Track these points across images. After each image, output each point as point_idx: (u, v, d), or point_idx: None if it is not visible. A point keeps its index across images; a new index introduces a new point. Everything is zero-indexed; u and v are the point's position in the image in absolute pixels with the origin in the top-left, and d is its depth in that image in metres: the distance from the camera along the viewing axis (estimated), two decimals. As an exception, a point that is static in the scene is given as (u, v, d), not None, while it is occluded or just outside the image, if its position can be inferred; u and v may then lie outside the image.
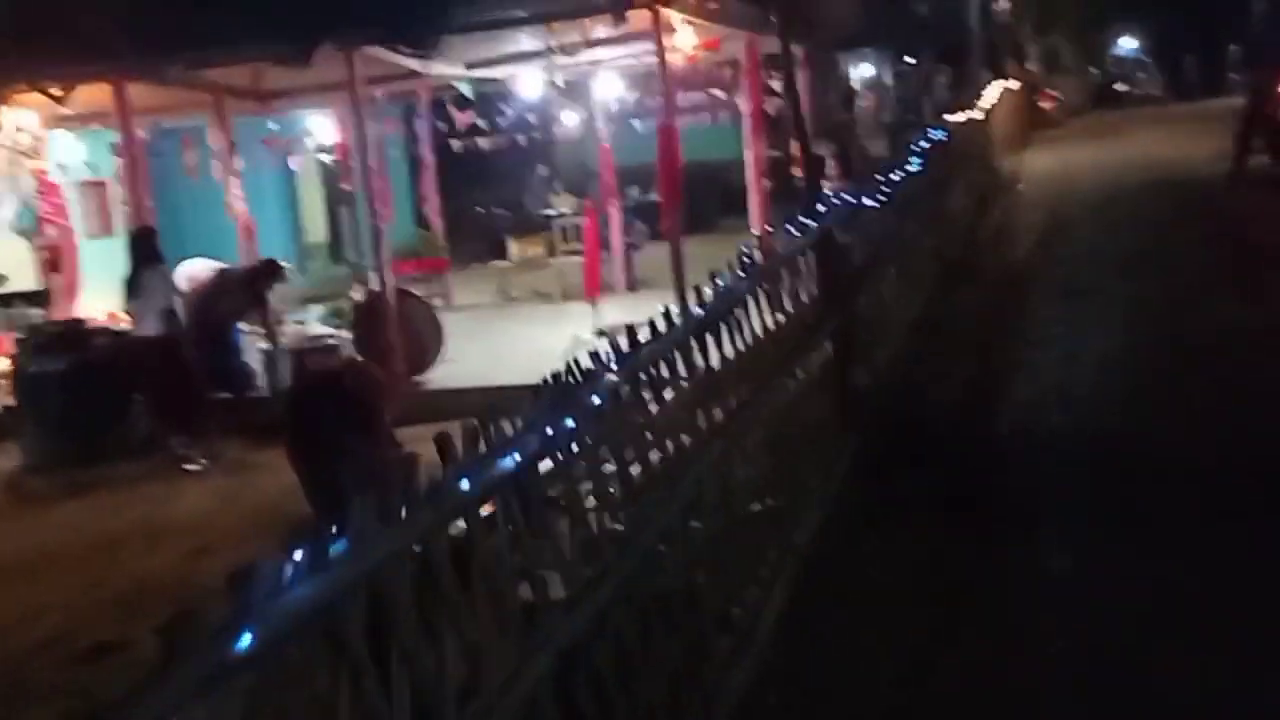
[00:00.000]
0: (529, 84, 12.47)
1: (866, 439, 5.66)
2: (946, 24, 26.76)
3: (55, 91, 10.54)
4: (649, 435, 3.39)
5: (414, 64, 11.65)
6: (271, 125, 14.82)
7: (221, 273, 10.54)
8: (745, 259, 4.62)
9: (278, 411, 10.78)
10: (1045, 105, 27.44)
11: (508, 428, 2.55)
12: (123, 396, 9.78)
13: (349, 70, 10.33)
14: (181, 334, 9.40)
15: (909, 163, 8.08)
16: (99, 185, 15.88)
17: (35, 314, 13.10)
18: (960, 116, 12.72)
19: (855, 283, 6.38)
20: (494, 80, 12.81)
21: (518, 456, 2.46)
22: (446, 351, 11.01)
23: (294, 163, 16.38)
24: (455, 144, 16.52)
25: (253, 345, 10.83)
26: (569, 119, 17.52)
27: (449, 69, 12.20)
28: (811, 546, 4.55)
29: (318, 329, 11.95)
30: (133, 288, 9.45)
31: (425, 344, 11.03)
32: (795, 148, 15.37)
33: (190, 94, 11.79)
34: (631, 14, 9.96)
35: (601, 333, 8.87)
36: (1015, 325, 8.00)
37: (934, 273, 9.20)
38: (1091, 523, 4.75)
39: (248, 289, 10.29)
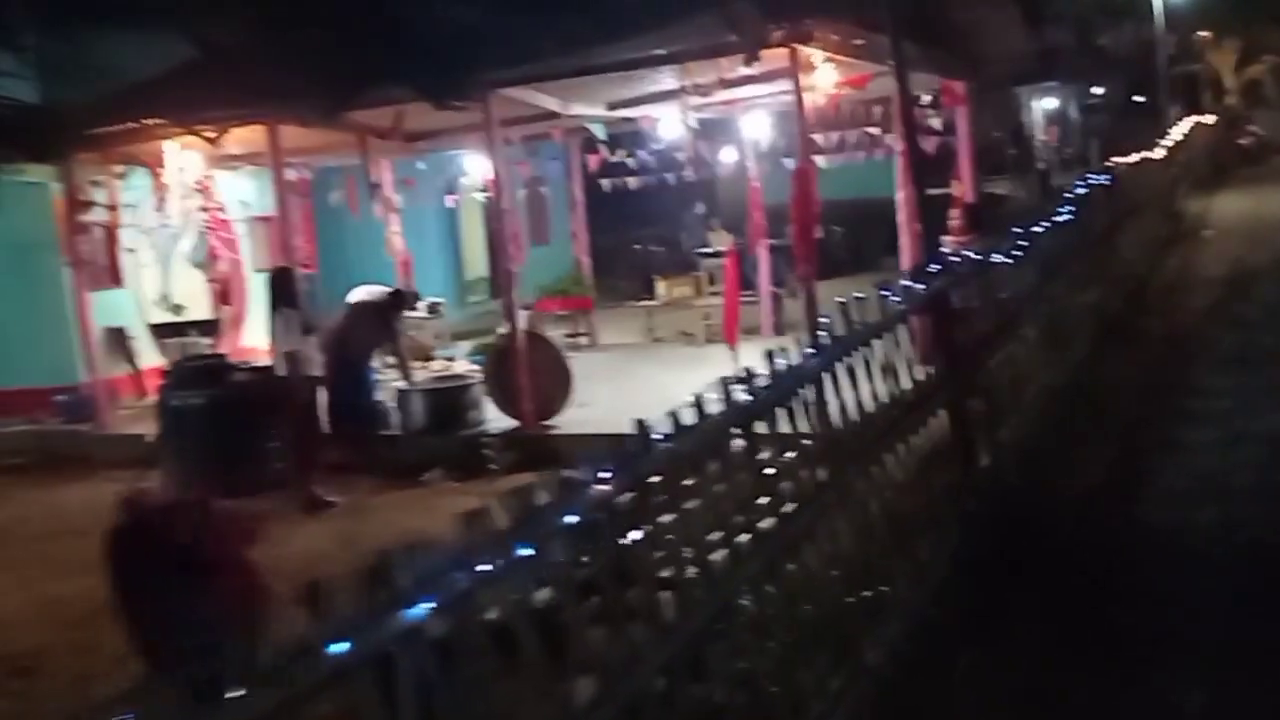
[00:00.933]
0: (669, 124, 12.11)
1: (976, 530, 4.97)
2: (1134, 56, 25.08)
3: (209, 134, 10.82)
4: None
5: (553, 105, 11.51)
6: (420, 165, 14.97)
7: (353, 307, 10.55)
8: (823, 329, 4.09)
9: (408, 451, 10.87)
10: (1244, 141, 25.35)
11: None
12: (259, 433, 9.86)
13: (485, 112, 10.25)
14: (307, 377, 9.40)
15: (1058, 212, 7.28)
16: (268, 221, 16.43)
17: (206, 343, 13.60)
18: (1135, 157, 11.65)
19: (978, 349, 5.71)
20: (630, 120, 12.51)
21: (434, 604, 2.02)
22: (575, 395, 10.73)
23: (450, 201, 16.52)
24: (607, 182, 16.33)
25: (390, 382, 10.84)
26: (727, 156, 17.13)
27: (588, 109, 11.99)
28: (889, 665, 3.92)
29: (459, 366, 11.89)
30: (270, 328, 9.56)
31: (553, 388, 10.77)
32: (956, 188, 14.63)
33: (340, 135, 11.94)
34: (770, 53, 9.49)
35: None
36: (1175, 396, 7.08)
37: (1089, 332, 8.31)
38: (1242, 655, 3.95)
39: (377, 322, 10.26)
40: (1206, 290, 10.38)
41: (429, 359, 14.69)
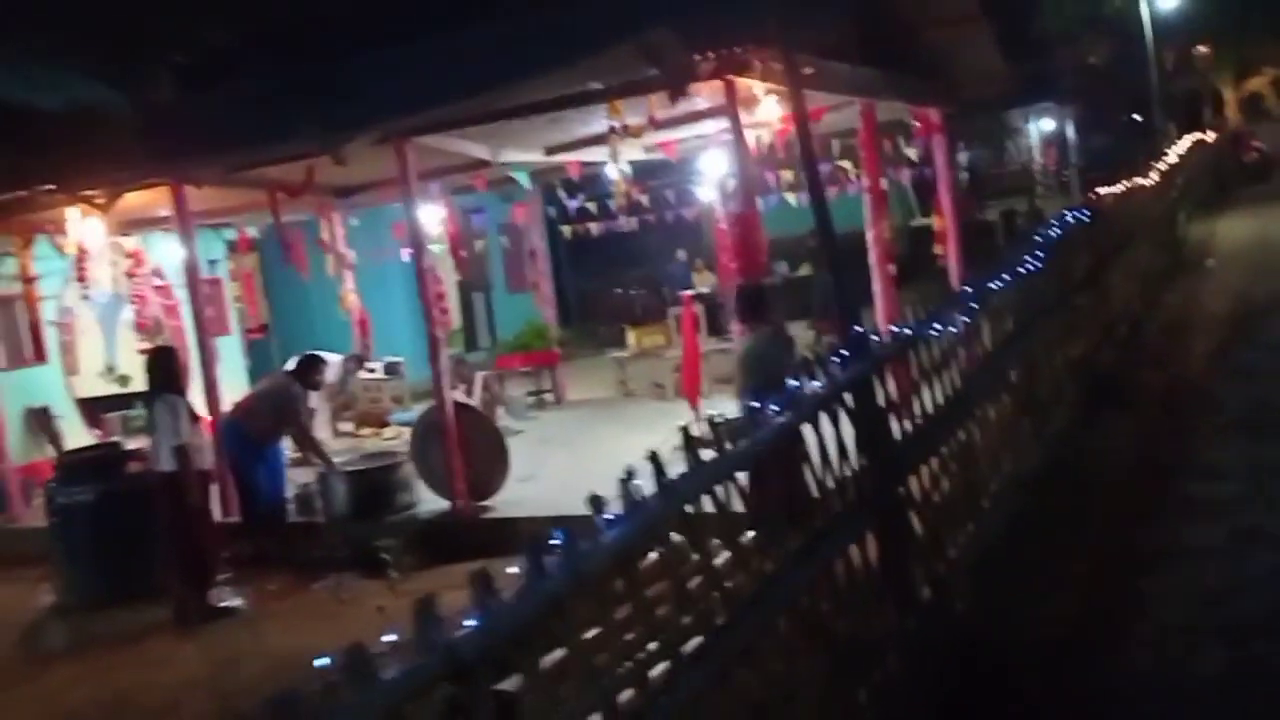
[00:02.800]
0: (611, 168, 10.91)
1: (901, 691, 3.70)
2: (1128, 74, 23.81)
3: (99, 200, 9.72)
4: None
5: (480, 152, 10.36)
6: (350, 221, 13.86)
7: (262, 385, 9.36)
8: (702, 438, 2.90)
9: (329, 541, 9.68)
10: (1248, 158, 23.96)
11: None
12: (152, 533, 8.68)
13: (401, 161, 9.10)
14: (198, 472, 8.21)
15: (1020, 262, 6.01)
16: (213, 284, 15.34)
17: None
18: (1123, 185, 10.35)
19: (915, 444, 4.45)
20: (557, 166, 11.38)
21: None
22: (514, 470, 9.51)
23: (406, 254, 15.38)
24: (568, 229, 15.21)
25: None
26: (706, 194, 15.97)
27: (522, 155, 10.84)
28: None
29: (388, 443, 10.72)
30: (149, 417, 8.35)
31: (488, 465, 9.55)
32: (938, 221, 13.39)
33: (249, 194, 10.84)
34: (703, 86, 8.30)
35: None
36: (1174, 480, 5.77)
37: (1073, 396, 7.01)
38: None
39: (280, 398, 9.05)
40: (1210, 332, 9.04)
41: (383, 425, 13.54)
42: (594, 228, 14.82)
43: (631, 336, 15.10)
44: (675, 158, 10.67)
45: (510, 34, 8.13)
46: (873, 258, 10.95)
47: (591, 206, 14.25)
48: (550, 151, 11.01)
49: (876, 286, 10.86)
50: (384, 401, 14.33)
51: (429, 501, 9.41)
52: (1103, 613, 4.39)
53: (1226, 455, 6.02)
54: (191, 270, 10.12)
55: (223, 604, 8.11)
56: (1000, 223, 22.82)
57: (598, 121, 9.47)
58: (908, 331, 4.45)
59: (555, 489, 8.97)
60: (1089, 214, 8.05)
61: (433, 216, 14.66)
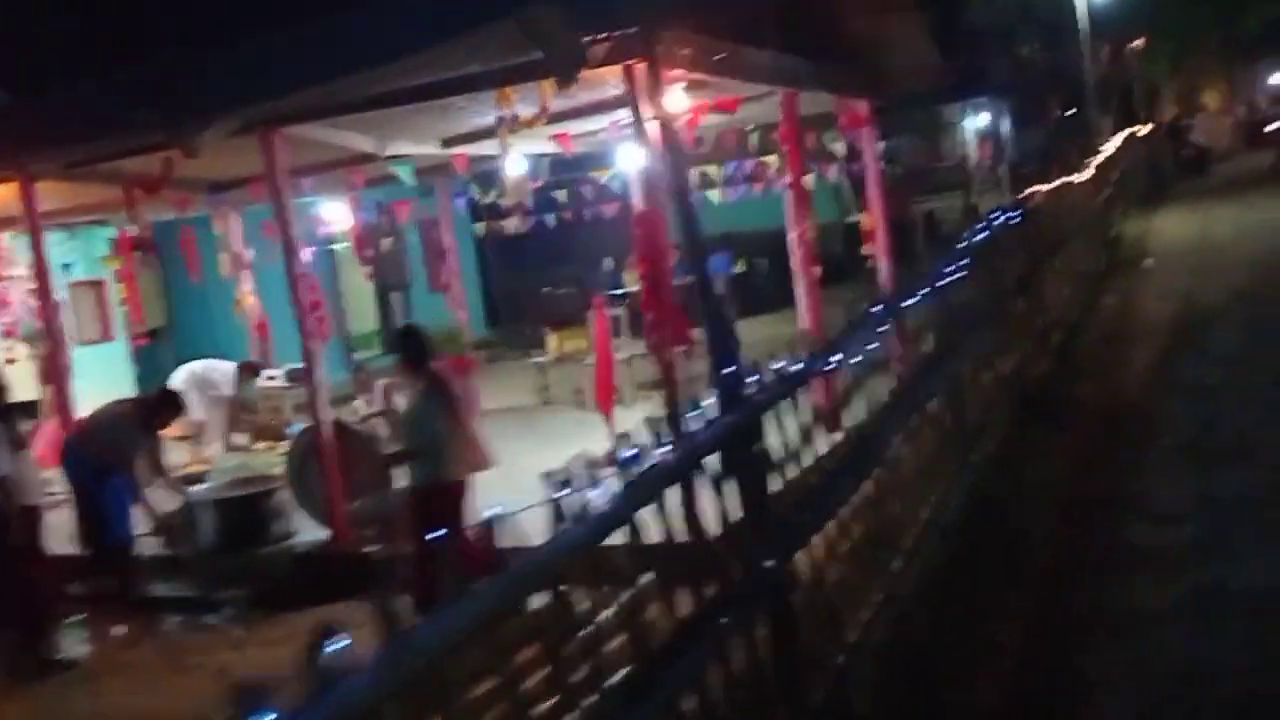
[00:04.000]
0: (515, 161, 9.96)
1: None
2: (1062, 68, 23.27)
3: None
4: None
5: (364, 144, 9.37)
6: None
7: (107, 408, 8.28)
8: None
9: (194, 577, 8.67)
10: (1185, 152, 23.54)
11: None
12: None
13: (268, 154, 8.12)
14: (23, 508, 7.16)
15: (936, 276, 5.17)
16: (94, 286, 14.15)
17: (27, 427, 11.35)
18: (1056, 181, 9.61)
19: (811, 505, 3.60)
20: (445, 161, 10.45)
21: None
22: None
23: (307, 253, 14.26)
24: (480, 226, 14.25)
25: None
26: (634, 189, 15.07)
27: (415, 148, 9.85)
28: None
29: (258, 468, 9.68)
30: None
31: (371, 491, 8.61)
32: (866, 219, 12.61)
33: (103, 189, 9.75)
34: (601, 72, 7.39)
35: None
36: (1113, 521, 4.98)
37: (1004, 415, 6.21)
38: None
39: (126, 425, 7.97)
40: (1151, 341, 8.31)
41: (279, 439, 12.48)
42: (518, 223, 13.87)
43: (552, 340, 14.19)
44: (570, 152, 9.74)
45: (378, 17, 7.18)
46: (796, 259, 10.13)
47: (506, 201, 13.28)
48: (448, 144, 10.05)
49: (800, 289, 10.04)
50: (285, 412, 13.30)
51: (310, 531, 8.53)
52: (1035, 707, 3.56)
53: (1175, 489, 5.25)
54: (40, 273, 9.06)
55: (59, 656, 7.14)
56: (922, 222, 22.20)
57: (492, 112, 8.54)
58: (798, 367, 3.58)
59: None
60: (1020, 214, 7.27)
61: (336, 212, 13.69)
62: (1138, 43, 28.34)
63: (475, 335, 18.40)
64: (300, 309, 8.53)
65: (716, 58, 8.28)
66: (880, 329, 4.37)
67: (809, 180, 12.75)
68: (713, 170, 12.85)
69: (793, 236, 10.16)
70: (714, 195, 13.19)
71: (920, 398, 4.76)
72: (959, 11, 23.54)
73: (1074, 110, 24.11)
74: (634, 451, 2.70)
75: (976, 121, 32.44)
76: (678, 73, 7.77)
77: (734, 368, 3.41)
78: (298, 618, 6.89)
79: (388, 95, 7.67)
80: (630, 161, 11.61)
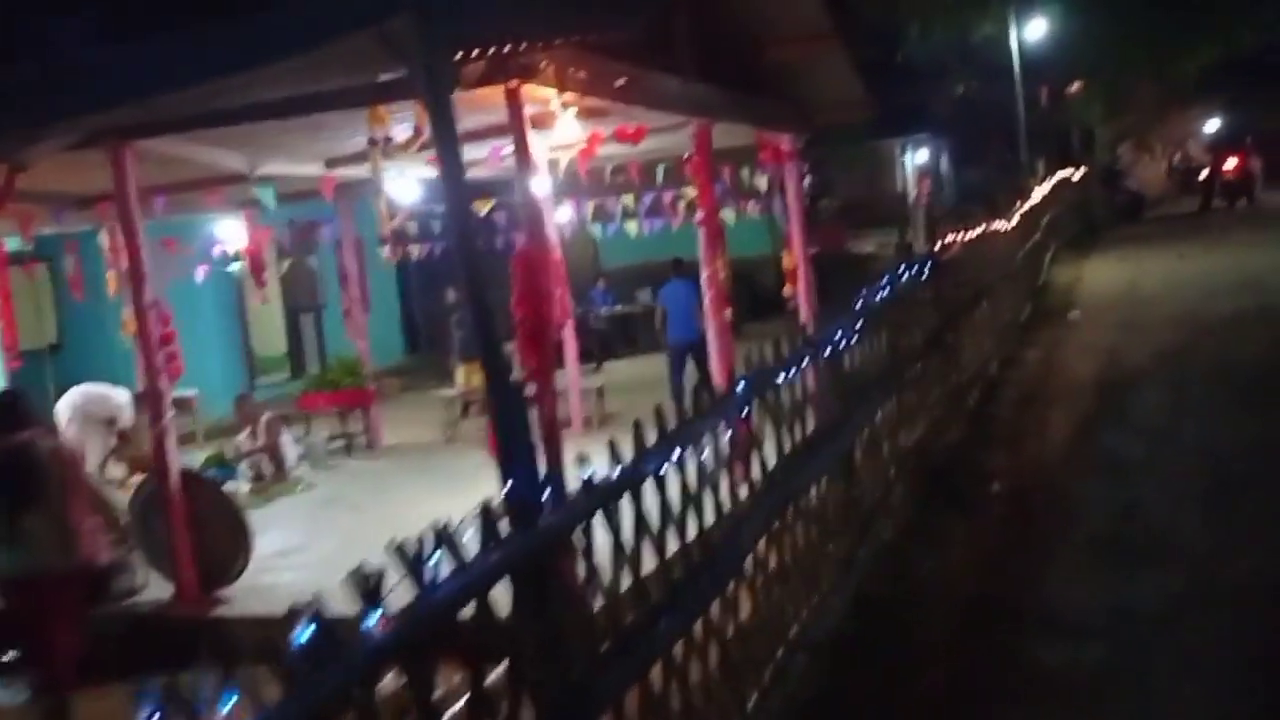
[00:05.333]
0: (401, 185, 9.12)
1: None
2: (1000, 108, 22.94)
3: None
4: None
5: (233, 162, 8.48)
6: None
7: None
8: None
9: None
10: (1120, 197, 23.28)
11: None
12: None
13: (117, 171, 7.23)
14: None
15: (829, 338, 4.43)
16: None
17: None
18: (978, 229, 8.97)
19: (629, 650, 2.82)
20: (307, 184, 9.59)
21: None
22: (251, 555, 7.65)
23: (201, 273, 13.25)
24: (387, 250, 13.34)
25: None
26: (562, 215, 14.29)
27: (292, 168, 8.98)
28: None
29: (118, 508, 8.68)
30: None
31: (222, 545, 7.70)
32: (788, 258, 11.95)
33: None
34: (482, 94, 6.59)
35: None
36: (1017, 636, 4.25)
37: (904, 494, 5.49)
38: None
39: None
40: (1072, 405, 7.66)
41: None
42: (419, 249, 13.02)
43: (460, 373, 13.33)
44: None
45: (228, 28, 6.35)
46: (707, 300, 9.40)
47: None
48: (331, 164, 9.19)
49: (711, 332, 9.31)
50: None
51: (159, 588, 7.63)
52: None
53: (1088, 595, 4.54)
54: None
55: None
56: (876, 255, 21.68)
57: (364, 133, 7.70)
58: (617, 474, 2.80)
59: (317, 571, 7.20)
60: (931, 266, 6.59)
61: (233, 231, 12.73)
62: (1076, 86, 28.20)
63: (391, 363, 17.51)
64: (146, 343, 7.61)
65: (617, 83, 7.54)
66: (741, 411, 3.62)
67: (729, 215, 12.12)
68: (629, 201, 12.13)
69: (704, 275, 9.46)
70: (631, 227, 12.49)
71: (795, 489, 4.02)
72: (894, 47, 23.13)
73: (1011, 151, 23.79)
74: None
75: (916, 158, 32.19)
76: (570, 97, 7.03)
77: (529, 471, 2.63)
78: (121, 689, 6.04)
79: (245, 110, 6.82)
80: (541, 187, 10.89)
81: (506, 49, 6.38)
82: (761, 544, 3.68)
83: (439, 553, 2.20)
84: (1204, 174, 29.62)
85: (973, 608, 4.54)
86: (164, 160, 7.78)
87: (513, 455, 2.66)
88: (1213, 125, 34.12)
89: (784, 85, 11.02)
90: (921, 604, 4.58)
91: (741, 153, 11.39)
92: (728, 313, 9.40)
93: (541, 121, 7.08)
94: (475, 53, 6.27)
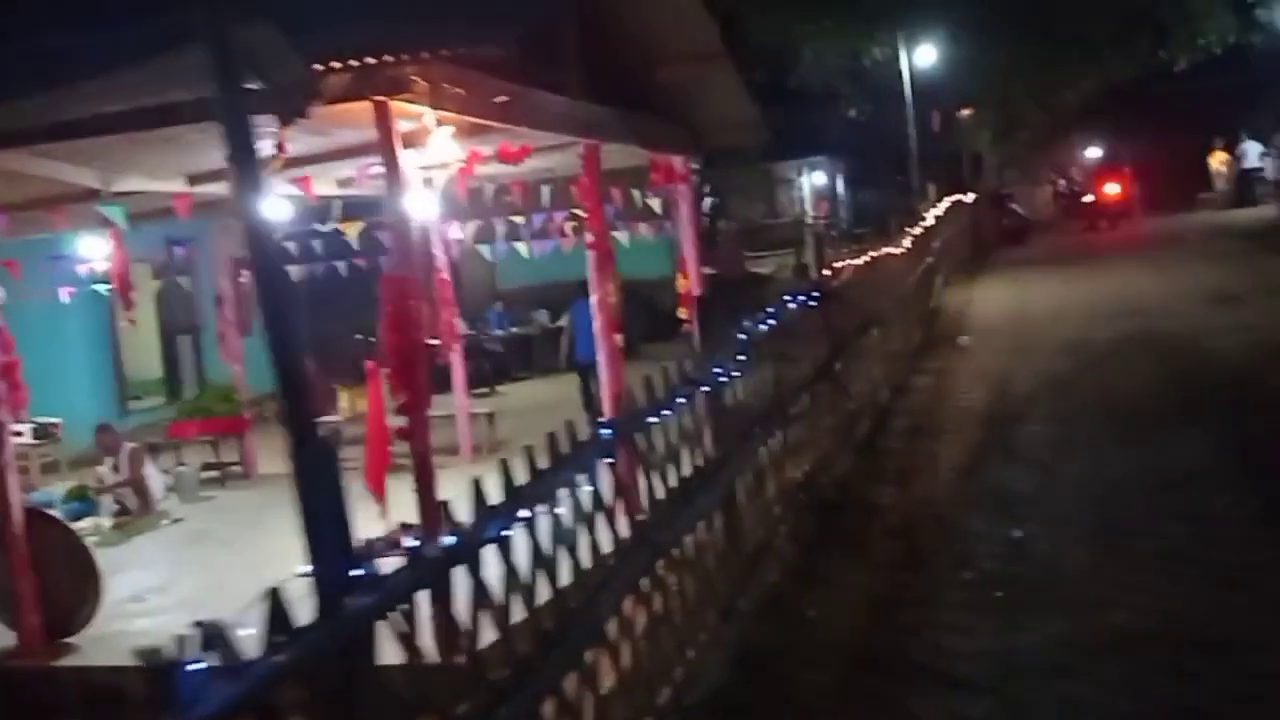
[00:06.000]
0: (272, 204, 8.58)
1: None
2: (893, 132, 23.22)
3: None
4: None
5: (86, 179, 7.88)
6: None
7: None
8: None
9: None
10: (1009, 221, 23.72)
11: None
12: None
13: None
14: None
15: (708, 376, 4.13)
16: None
17: None
18: (868, 255, 8.84)
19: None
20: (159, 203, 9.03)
21: None
22: (101, 598, 7.06)
23: (65, 293, 12.43)
24: (245, 275, 12.74)
25: None
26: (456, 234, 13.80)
27: (152, 183, 8.40)
28: None
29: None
30: None
31: (68, 589, 7.09)
32: (681, 282, 11.70)
33: None
34: (346, 109, 6.17)
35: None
36: (899, 692, 3.99)
37: (789, 531, 5.23)
38: None
39: None
40: (961, 434, 7.53)
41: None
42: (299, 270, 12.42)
43: (344, 399, 12.77)
44: (314, 199, 8.47)
45: (61, 40, 5.83)
46: (596, 324, 9.08)
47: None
48: (194, 180, 8.63)
49: (601, 358, 8.98)
50: (31, 474, 11.53)
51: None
52: None
53: (973, 644, 4.31)
54: None
55: None
56: (773, 277, 21.66)
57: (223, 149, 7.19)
58: (450, 543, 2.44)
59: (175, 616, 6.66)
60: (819, 295, 6.38)
61: (98, 249, 11.98)
62: (967, 111, 28.77)
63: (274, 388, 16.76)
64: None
65: (498, 100, 7.19)
66: (602, 459, 3.29)
67: (622, 236, 11.85)
68: (519, 221, 11.76)
69: (594, 300, 9.14)
70: (522, 248, 12.14)
71: (667, 539, 3.70)
72: (787, 70, 23.25)
73: (902, 175, 24.11)
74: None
75: (813, 180, 32.49)
76: (445, 114, 6.64)
77: (340, 543, 2.25)
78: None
79: (89, 123, 6.27)
80: (425, 207, 10.46)
81: (372, 62, 6.01)
82: (628, 603, 3.34)
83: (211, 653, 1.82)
84: (1088, 199, 30.59)
85: (859, 659, 4.27)
86: (5, 176, 7.18)
87: (319, 526, 2.27)
88: (1096, 152, 35.24)
89: (676, 106, 10.80)
90: (806, 655, 4.30)
91: (635, 173, 11.14)
92: (618, 338, 9.11)
93: (414, 139, 6.69)
94: (336, 65, 5.90)
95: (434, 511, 6.17)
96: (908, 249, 10.98)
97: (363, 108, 6.15)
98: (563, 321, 16.89)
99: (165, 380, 16.68)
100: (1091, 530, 5.39)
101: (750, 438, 4.84)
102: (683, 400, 3.88)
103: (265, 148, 6.61)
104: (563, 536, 3.02)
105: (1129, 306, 12.01)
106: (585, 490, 3.18)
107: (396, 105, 6.28)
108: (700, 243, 14.63)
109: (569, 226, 10.40)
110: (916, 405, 8.56)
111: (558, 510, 2.95)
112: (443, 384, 12.24)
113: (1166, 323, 10.86)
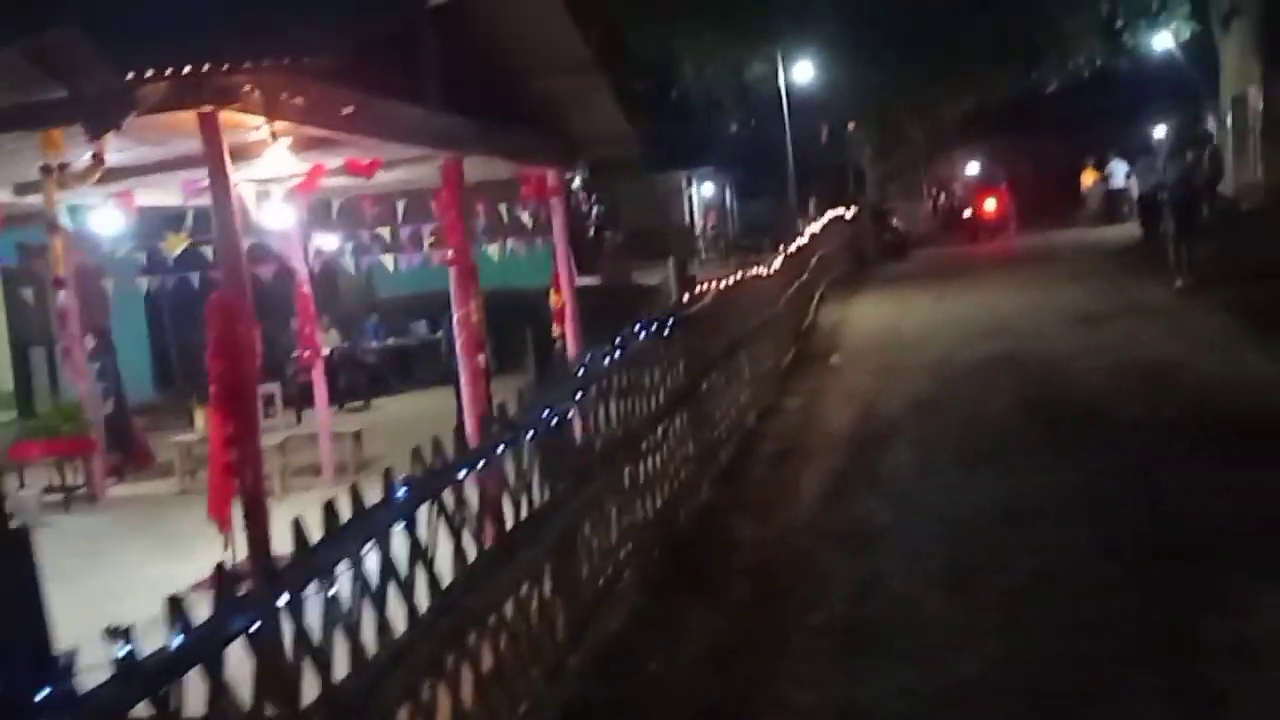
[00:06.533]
0: (102, 217, 8.01)
1: None
2: (778, 145, 23.31)
3: None
4: None
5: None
6: None
7: None
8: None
9: None
10: (888, 235, 24.03)
11: None
12: None
13: None
14: None
15: (542, 418, 3.82)
16: None
17: None
18: (736, 275, 8.65)
19: None
20: None
21: None
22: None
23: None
24: (108, 283, 11.97)
25: None
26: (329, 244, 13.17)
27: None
28: None
29: None
30: None
31: None
32: (555, 297, 11.39)
33: None
34: (173, 119, 5.70)
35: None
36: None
37: (632, 579, 4.95)
38: None
39: None
40: (826, 462, 7.37)
41: None
42: (145, 282, 11.72)
43: (199, 416, 12.05)
44: (135, 211, 7.92)
45: None
46: (459, 343, 8.70)
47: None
48: (20, 190, 8.00)
49: (463, 378, 8.60)
50: None
51: None
52: None
53: (813, 697, 4.09)
54: None
55: None
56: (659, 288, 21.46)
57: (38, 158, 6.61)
58: (178, 643, 2.08)
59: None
60: (678, 320, 6.13)
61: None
62: (850, 125, 29.14)
63: (137, 402, 15.87)
64: None
65: (344, 111, 6.77)
66: (395, 523, 2.95)
67: (493, 250, 11.48)
68: (385, 234, 11.29)
69: (456, 317, 8.76)
70: (390, 260, 11.66)
71: (480, 605, 3.37)
72: (670, 82, 23.18)
73: (782, 188, 24.24)
74: None
75: (702, 191, 32.54)
76: (283, 125, 6.21)
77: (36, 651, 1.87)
78: None
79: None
80: (283, 219, 9.92)
81: (198, 70, 5.56)
82: (427, 685, 3.01)
83: None
84: (966, 213, 31.25)
85: (696, 717, 4.01)
86: None
87: (5, 634, 1.89)
88: (974, 167, 36.11)
89: (550, 117, 10.49)
90: (644, 714, 4.02)
91: (507, 186, 10.81)
92: (481, 357, 8.75)
93: (247, 151, 6.25)
94: (158, 74, 5.43)
95: (264, 551, 5.75)
96: (780, 267, 10.85)
97: (191, 118, 5.70)
98: (440, 334, 16.41)
99: (16, 394, 15.66)
100: (945, 567, 5.24)
101: (591, 477, 4.54)
102: (504, 447, 3.56)
103: (80, 158, 6.12)
104: (339, 619, 2.67)
105: (998, 325, 12.11)
106: (373, 560, 2.84)
107: (229, 116, 5.85)
108: (587, 253, 14.29)
109: (429, 241, 9.97)
110: (784, 429, 8.40)
111: (331, 592, 2.61)
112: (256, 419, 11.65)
113: (1033, 343, 10.95)
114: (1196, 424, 7.37)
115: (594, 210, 22.55)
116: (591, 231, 22.06)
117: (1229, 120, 18.87)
